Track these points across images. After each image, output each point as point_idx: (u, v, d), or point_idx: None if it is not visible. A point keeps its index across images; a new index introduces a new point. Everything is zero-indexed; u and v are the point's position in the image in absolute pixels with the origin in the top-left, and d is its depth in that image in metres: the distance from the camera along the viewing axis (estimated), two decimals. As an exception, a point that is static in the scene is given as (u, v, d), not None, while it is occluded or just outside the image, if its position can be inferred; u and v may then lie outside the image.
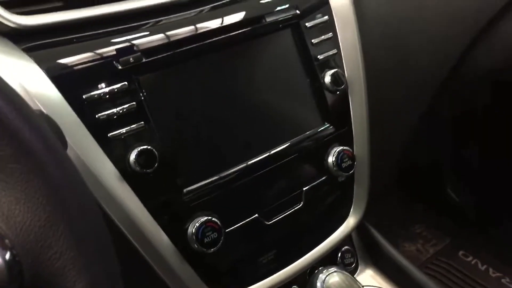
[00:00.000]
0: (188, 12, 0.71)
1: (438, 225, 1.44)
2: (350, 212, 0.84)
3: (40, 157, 0.33)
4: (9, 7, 0.60)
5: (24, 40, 0.60)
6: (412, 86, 0.92)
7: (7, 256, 0.32)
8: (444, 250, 1.39)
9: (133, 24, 0.67)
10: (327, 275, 0.67)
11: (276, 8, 0.75)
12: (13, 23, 0.60)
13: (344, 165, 0.77)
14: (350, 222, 0.83)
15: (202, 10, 0.72)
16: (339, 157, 0.77)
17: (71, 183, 0.34)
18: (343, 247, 0.86)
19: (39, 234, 0.33)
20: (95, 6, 0.66)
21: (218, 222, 0.65)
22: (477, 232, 1.36)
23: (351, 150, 0.79)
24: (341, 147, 0.78)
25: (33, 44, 0.60)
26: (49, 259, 0.33)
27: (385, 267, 0.91)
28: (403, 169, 1.11)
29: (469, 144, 1.35)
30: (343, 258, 0.85)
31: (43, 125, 0.34)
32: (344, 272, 0.68)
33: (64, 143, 0.44)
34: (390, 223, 1.33)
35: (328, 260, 0.82)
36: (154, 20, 0.69)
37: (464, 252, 1.36)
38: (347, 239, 0.85)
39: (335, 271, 0.67)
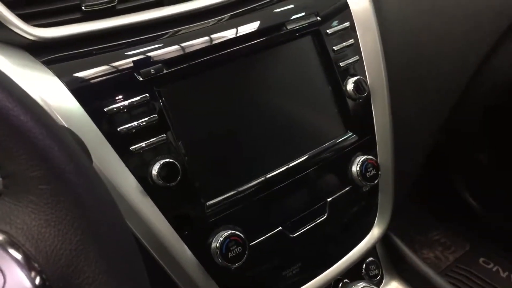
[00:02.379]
0: (207, 21, 0.70)
1: (457, 231, 1.41)
2: (375, 222, 0.81)
3: (71, 178, 0.31)
4: (27, 19, 0.59)
5: (44, 52, 0.59)
6: (433, 94, 0.90)
7: (37, 281, 0.31)
8: (464, 257, 1.36)
9: (152, 35, 0.66)
10: (356, 290, 0.65)
11: (296, 15, 0.74)
12: (33, 35, 0.59)
13: (368, 174, 0.75)
14: (375, 232, 0.81)
15: (221, 19, 0.71)
16: (364, 166, 0.75)
17: (102, 204, 0.33)
18: (367, 258, 0.84)
19: (70, 258, 0.31)
20: (114, 17, 0.64)
21: (242, 235, 0.64)
22: (498, 238, 1.33)
23: (375, 159, 0.76)
24: (365, 156, 0.76)
25: (53, 56, 0.59)
26: (81, 284, 0.31)
27: (411, 278, 0.88)
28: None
29: (489, 151, 1.32)
30: (368, 270, 0.83)
31: (73, 144, 0.33)
32: (373, 286, 0.66)
33: (89, 158, 0.42)
34: (407, 230, 1.30)
35: (352, 272, 0.80)
36: (173, 30, 0.67)
37: (484, 259, 1.32)
38: (371, 250, 0.83)
39: (363, 286, 0.65)
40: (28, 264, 0.31)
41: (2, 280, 0.30)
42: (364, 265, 0.83)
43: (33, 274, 0.31)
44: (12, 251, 0.31)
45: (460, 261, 1.33)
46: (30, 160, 0.30)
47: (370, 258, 0.84)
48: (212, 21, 0.70)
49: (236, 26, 0.70)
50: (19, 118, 0.30)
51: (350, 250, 0.78)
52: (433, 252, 1.39)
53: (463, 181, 1.39)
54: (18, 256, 0.31)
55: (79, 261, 0.31)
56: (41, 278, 0.31)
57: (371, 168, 0.75)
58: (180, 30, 0.68)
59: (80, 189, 0.31)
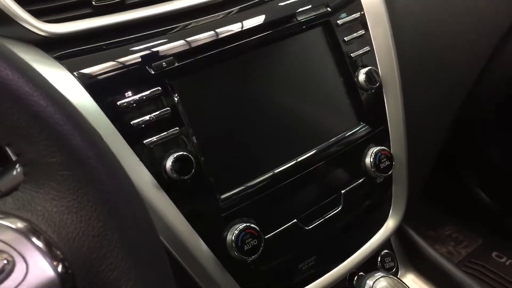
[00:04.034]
0: (217, 14, 0.70)
1: (469, 226, 1.40)
2: (390, 214, 0.81)
3: (92, 163, 0.31)
4: (38, 15, 0.59)
5: (55, 48, 0.59)
6: (444, 86, 0.89)
7: (60, 268, 0.31)
8: (476, 252, 1.34)
9: (162, 29, 0.65)
10: (374, 281, 0.64)
11: (306, 6, 0.73)
12: (44, 31, 0.59)
13: (382, 165, 0.74)
14: (389, 224, 0.80)
15: (230, 12, 0.71)
16: (377, 157, 0.74)
17: (124, 190, 0.32)
18: (382, 251, 0.83)
19: (92, 245, 0.31)
20: (124, 12, 0.64)
21: (257, 228, 0.63)
22: (510, 232, 1.32)
23: (388, 150, 0.76)
24: (378, 147, 0.75)
25: (64, 52, 0.59)
26: (104, 271, 0.31)
27: (427, 271, 0.87)
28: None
29: (501, 145, 1.31)
30: (383, 263, 0.82)
31: (93, 130, 0.32)
32: (391, 276, 0.65)
33: None
34: (419, 225, 1.29)
35: (368, 265, 0.79)
36: (182, 23, 0.67)
37: (497, 253, 1.31)
38: (386, 243, 0.82)
39: (382, 276, 0.64)
40: (50, 252, 0.31)
41: (25, 268, 0.30)
42: (379, 258, 0.82)
43: (55, 261, 0.31)
44: (34, 239, 0.31)
45: (472, 255, 1.32)
46: (50, 146, 0.30)
47: (385, 251, 0.83)
48: (221, 14, 0.70)
49: (246, 18, 0.69)
50: (39, 103, 0.30)
51: (365, 242, 0.77)
52: (445, 247, 1.38)
53: (474, 175, 1.38)
54: (40, 243, 0.31)
55: (101, 248, 0.31)
56: (64, 266, 0.31)
57: (385, 159, 0.75)
58: (189, 24, 0.67)
59: (102, 174, 0.31)
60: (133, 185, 0.33)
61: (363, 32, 0.77)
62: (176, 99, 0.62)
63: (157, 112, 0.60)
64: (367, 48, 0.77)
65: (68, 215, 0.31)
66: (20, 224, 0.31)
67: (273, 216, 0.68)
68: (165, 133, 0.60)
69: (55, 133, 0.30)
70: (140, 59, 0.61)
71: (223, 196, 0.64)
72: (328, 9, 0.74)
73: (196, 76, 0.64)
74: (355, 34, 0.76)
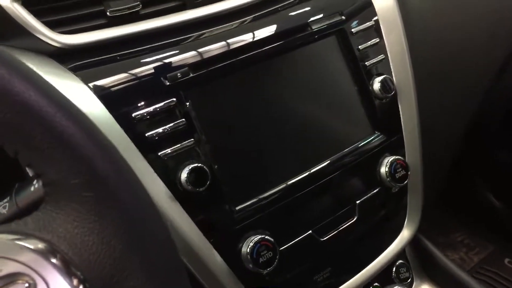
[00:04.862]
0: (230, 24, 0.69)
1: (481, 232, 1.38)
2: (405, 224, 0.80)
3: (114, 184, 0.30)
4: (53, 26, 0.59)
5: (70, 59, 0.59)
6: (458, 92, 0.88)
7: (81, 291, 0.30)
8: (488, 258, 1.33)
9: (177, 39, 0.65)
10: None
11: (320, 15, 0.72)
12: (59, 42, 0.58)
13: (397, 175, 0.73)
14: (405, 234, 0.79)
15: (243, 22, 0.70)
16: (392, 167, 0.73)
17: (146, 211, 0.32)
18: (397, 261, 0.82)
19: (114, 267, 0.30)
20: (138, 22, 0.64)
21: (272, 240, 0.62)
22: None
23: (403, 159, 0.75)
24: (394, 157, 0.74)
25: (79, 63, 0.59)
26: (126, 293, 0.30)
27: (442, 282, 0.86)
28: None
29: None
30: (398, 273, 0.81)
31: (114, 148, 0.32)
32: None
33: None
34: (430, 231, 1.28)
35: (382, 276, 0.78)
36: (196, 33, 0.67)
37: (510, 259, 1.29)
38: (401, 253, 0.81)
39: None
40: (71, 274, 0.30)
41: (47, 291, 0.29)
42: (394, 268, 0.81)
43: (76, 283, 0.30)
44: (55, 261, 0.30)
45: (485, 262, 1.30)
46: (73, 166, 0.30)
47: (400, 261, 0.82)
48: (235, 23, 0.69)
49: (260, 28, 0.69)
50: (61, 123, 0.30)
51: (381, 253, 0.76)
52: (457, 254, 1.36)
53: (486, 181, 1.36)
54: (61, 265, 0.30)
55: (123, 270, 0.30)
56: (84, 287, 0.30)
57: (400, 169, 0.74)
58: (203, 34, 0.67)
59: (124, 195, 0.31)
60: (154, 205, 0.33)
61: (378, 40, 0.76)
62: (191, 110, 0.61)
63: (172, 124, 0.60)
64: (381, 56, 0.76)
65: (90, 237, 0.30)
66: (41, 246, 0.31)
67: (287, 228, 0.67)
68: (180, 144, 0.60)
69: (78, 154, 0.30)
70: (155, 70, 0.60)
71: (237, 208, 0.64)
72: (342, 17, 0.74)
73: (211, 87, 0.64)
74: (369, 42, 0.75)
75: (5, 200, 0.42)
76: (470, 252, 1.36)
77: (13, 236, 0.31)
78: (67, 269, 0.30)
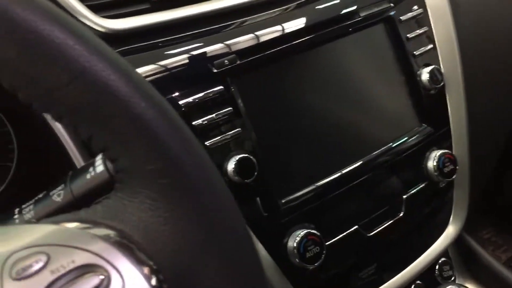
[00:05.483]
0: (273, 11, 0.67)
1: (508, 230, 1.34)
2: (450, 220, 0.77)
3: (192, 172, 0.28)
4: (97, 11, 0.57)
5: (115, 45, 0.57)
6: (508, 84, 0.84)
7: (155, 282, 0.28)
8: (516, 256, 1.29)
9: (221, 25, 0.63)
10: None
11: (368, 1, 0.70)
12: (103, 27, 0.57)
13: (446, 170, 0.70)
14: (450, 231, 0.76)
15: (287, 8, 0.68)
16: (441, 161, 0.70)
17: (223, 200, 0.30)
18: (440, 258, 0.79)
19: (191, 259, 0.28)
20: (182, 7, 0.62)
21: (319, 234, 0.60)
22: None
23: (451, 153, 0.72)
24: (442, 151, 0.71)
25: (124, 48, 0.57)
26: (201, 285, 0.28)
27: (486, 281, 0.83)
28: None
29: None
30: (441, 271, 0.78)
31: (192, 135, 0.30)
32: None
33: None
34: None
35: (425, 274, 0.75)
36: (240, 20, 0.64)
37: (539, 258, 1.25)
38: (445, 250, 0.78)
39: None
40: (145, 265, 0.28)
41: (121, 283, 0.27)
42: (437, 266, 0.78)
43: (151, 275, 0.28)
44: (127, 251, 0.28)
45: (512, 260, 1.27)
46: (151, 152, 0.28)
47: (443, 259, 0.79)
48: (277, 10, 0.67)
49: (306, 15, 0.66)
50: (140, 105, 0.28)
51: (425, 250, 0.74)
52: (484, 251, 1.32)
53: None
54: (134, 255, 0.28)
55: (200, 263, 0.28)
56: (158, 279, 0.28)
57: (449, 163, 0.71)
58: (247, 20, 0.65)
59: (201, 183, 0.29)
60: (230, 194, 0.31)
61: (426, 29, 0.73)
62: (238, 98, 0.59)
63: (219, 112, 0.58)
64: (430, 46, 0.73)
65: (165, 226, 0.28)
66: (112, 235, 0.29)
67: (333, 222, 0.65)
68: (228, 133, 0.58)
69: (157, 138, 0.28)
70: (202, 57, 0.58)
71: (283, 201, 0.61)
72: (391, 4, 0.71)
73: (258, 75, 0.61)
74: (418, 31, 0.72)
75: (59, 188, 0.41)
76: (497, 250, 1.33)
77: (84, 225, 0.29)
78: (141, 260, 0.28)
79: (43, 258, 0.27)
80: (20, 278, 0.26)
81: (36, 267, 0.26)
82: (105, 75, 0.28)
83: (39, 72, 0.27)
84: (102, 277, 0.27)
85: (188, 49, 0.59)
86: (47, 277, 0.26)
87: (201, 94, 0.57)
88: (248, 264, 0.30)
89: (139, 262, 0.28)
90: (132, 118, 0.28)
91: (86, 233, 0.28)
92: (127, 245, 0.29)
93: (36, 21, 0.27)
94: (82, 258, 0.27)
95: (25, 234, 0.28)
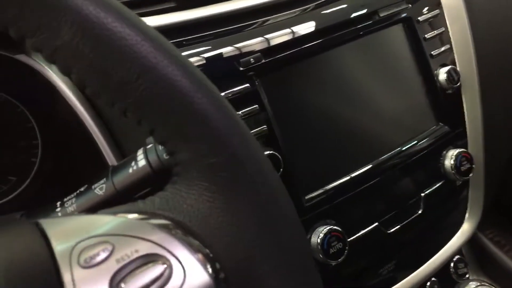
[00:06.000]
0: (293, 10, 0.68)
1: (510, 229, 1.35)
2: (466, 218, 0.78)
3: (251, 165, 0.29)
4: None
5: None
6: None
7: (214, 273, 0.29)
8: (521, 257, 1.30)
9: (245, 23, 0.63)
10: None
11: (386, 2, 0.71)
12: (130, 25, 0.57)
13: (463, 168, 0.72)
14: (465, 229, 0.77)
15: (306, 9, 0.68)
16: (458, 160, 0.71)
17: (279, 193, 0.30)
18: (454, 256, 0.80)
19: (249, 250, 0.29)
20: (207, 6, 0.63)
21: (342, 231, 0.61)
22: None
23: (468, 152, 0.73)
24: (458, 150, 0.72)
25: (151, 46, 0.58)
26: (259, 278, 0.29)
27: (500, 278, 0.84)
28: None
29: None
30: (456, 269, 0.79)
31: (248, 129, 0.30)
32: (491, 284, 0.62)
33: None
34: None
35: (440, 271, 0.76)
36: (263, 19, 0.65)
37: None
38: (459, 248, 0.79)
39: (482, 284, 0.61)
40: (205, 256, 0.29)
41: (183, 273, 0.28)
42: (452, 264, 0.79)
43: (210, 265, 0.29)
44: (188, 242, 0.29)
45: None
46: (213, 146, 0.28)
47: (457, 256, 0.80)
48: (298, 10, 0.68)
49: (327, 15, 0.67)
50: (203, 101, 0.28)
51: (442, 247, 0.75)
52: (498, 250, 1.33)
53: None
54: (194, 247, 0.29)
55: (257, 254, 0.29)
56: (217, 270, 0.29)
57: (465, 162, 0.72)
58: (268, 20, 0.65)
59: (260, 177, 0.29)
60: (283, 186, 0.32)
61: (443, 30, 0.74)
62: (264, 96, 0.60)
63: (245, 110, 0.58)
64: (447, 46, 0.74)
65: (224, 218, 0.29)
66: (171, 226, 0.29)
67: (354, 219, 0.66)
68: (253, 130, 0.58)
69: (219, 133, 0.28)
70: (228, 55, 0.59)
71: (307, 197, 0.62)
72: (409, 5, 0.72)
73: (283, 73, 0.62)
74: (435, 31, 0.73)
75: (101, 182, 0.41)
76: (500, 250, 1.34)
77: (143, 215, 0.30)
78: (198, 249, 0.29)
79: (109, 248, 0.27)
80: (88, 266, 0.26)
81: (103, 255, 0.27)
82: (170, 70, 0.28)
83: (110, 67, 0.28)
84: (164, 266, 0.28)
85: (213, 47, 0.59)
86: (113, 265, 0.27)
87: (227, 92, 0.58)
88: (301, 253, 0.31)
89: (196, 251, 0.29)
90: (195, 113, 0.28)
91: (147, 223, 0.29)
92: (184, 235, 0.29)
93: (108, 18, 0.28)
94: (145, 248, 0.28)
95: (87, 224, 0.29)
